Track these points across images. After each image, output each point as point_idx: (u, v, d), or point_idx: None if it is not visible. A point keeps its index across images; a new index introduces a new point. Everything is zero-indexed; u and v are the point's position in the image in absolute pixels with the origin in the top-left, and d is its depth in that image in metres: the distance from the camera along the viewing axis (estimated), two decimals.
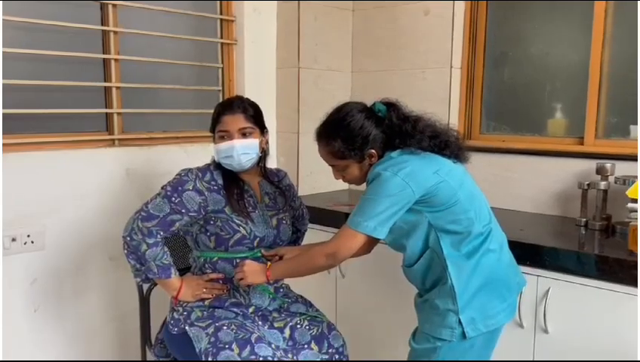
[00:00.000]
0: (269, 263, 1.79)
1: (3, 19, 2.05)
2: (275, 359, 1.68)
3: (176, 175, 1.85)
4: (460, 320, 1.54)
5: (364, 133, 1.61)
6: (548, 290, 1.91)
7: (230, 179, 1.87)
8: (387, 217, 1.52)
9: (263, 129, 1.91)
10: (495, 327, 1.60)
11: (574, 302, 1.87)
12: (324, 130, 1.68)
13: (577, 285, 1.86)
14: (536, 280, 1.94)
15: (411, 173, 1.51)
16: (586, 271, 1.83)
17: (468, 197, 1.57)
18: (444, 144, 1.61)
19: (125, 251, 1.85)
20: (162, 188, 1.82)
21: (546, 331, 1.93)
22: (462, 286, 1.55)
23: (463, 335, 1.55)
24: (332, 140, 1.64)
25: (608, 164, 2.17)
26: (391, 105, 1.66)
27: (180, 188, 1.80)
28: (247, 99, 1.91)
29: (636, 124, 2.31)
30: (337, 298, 2.59)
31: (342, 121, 1.63)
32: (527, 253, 1.94)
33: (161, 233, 1.80)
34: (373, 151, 1.62)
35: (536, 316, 1.95)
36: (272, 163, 2.53)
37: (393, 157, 1.58)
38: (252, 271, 1.75)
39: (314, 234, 2.21)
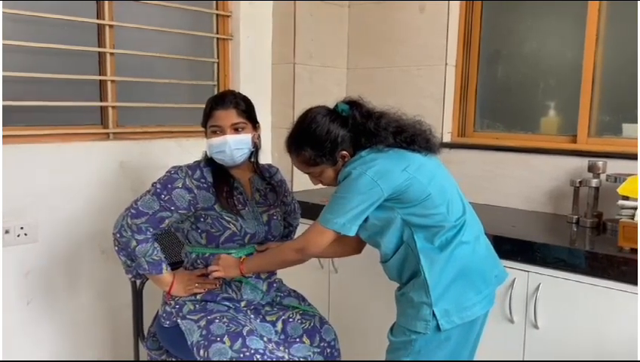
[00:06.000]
0: (242, 257, 1.82)
1: None
2: (267, 352, 1.69)
3: (166, 172, 1.85)
4: (433, 312, 1.55)
5: (331, 137, 1.62)
6: (538, 286, 1.92)
7: (220, 177, 1.87)
8: (356, 214, 1.55)
9: (255, 123, 1.91)
10: (470, 319, 1.60)
11: (565, 298, 1.89)
12: (292, 142, 1.69)
13: (568, 281, 1.87)
14: (526, 276, 1.96)
15: (379, 172, 1.53)
16: (577, 267, 1.85)
17: (439, 192, 1.58)
18: (411, 139, 1.62)
19: (116, 248, 1.86)
20: (152, 185, 1.83)
21: (536, 326, 1.94)
22: (435, 279, 1.56)
23: (438, 328, 1.56)
24: (302, 150, 1.65)
25: (600, 162, 2.19)
26: (354, 104, 1.67)
27: (169, 185, 1.80)
28: (239, 93, 1.91)
29: (628, 122, 2.32)
30: (330, 293, 2.60)
31: (307, 129, 1.64)
32: (518, 249, 1.96)
33: (151, 230, 1.80)
34: (344, 152, 1.63)
35: (526, 311, 1.97)
36: (266, 158, 2.54)
37: (363, 156, 1.60)
38: (226, 265, 1.81)
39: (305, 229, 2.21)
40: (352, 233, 1.58)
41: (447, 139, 2.77)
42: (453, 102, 2.78)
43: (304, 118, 1.68)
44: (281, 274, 2.04)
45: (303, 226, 2.21)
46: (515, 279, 1.96)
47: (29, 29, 2.19)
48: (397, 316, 1.68)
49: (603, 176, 2.20)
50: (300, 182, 2.87)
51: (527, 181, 2.51)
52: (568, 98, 2.50)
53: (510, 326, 2.00)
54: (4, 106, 2.10)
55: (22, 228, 2.13)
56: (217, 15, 2.78)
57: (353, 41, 3.08)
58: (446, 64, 2.73)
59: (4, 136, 2.08)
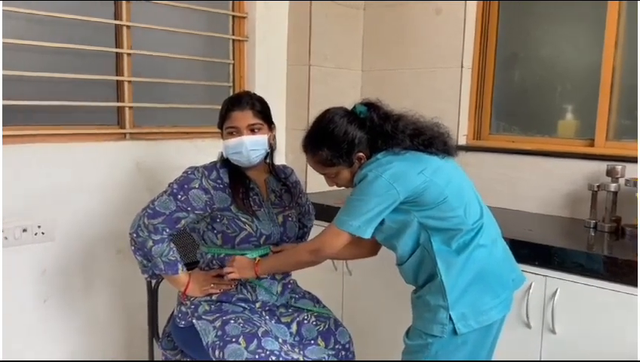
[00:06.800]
0: (257, 258, 1.82)
1: (18, 12, 2.08)
2: (282, 353, 1.69)
3: (183, 173, 1.86)
4: (450, 316, 1.54)
5: (348, 138, 1.61)
6: (556, 291, 1.90)
7: (236, 178, 1.88)
8: (372, 217, 1.54)
9: (270, 124, 1.92)
10: (487, 323, 1.59)
11: (582, 303, 1.87)
12: (309, 142, 1.69)
13: (585, 286, 1.85)
14: (544, 281, 1.94)
15: (396, 175, 1.53)
16: (595, 272, 1.82)
17: (456, 195, 1.57)
18: (428, 142, 1.61)
19: (132, 247, 1.87)
20: (169, 185, 1.84)
21: (553, 332, 1.92)
22: (452, 282, 1.55)
23: (454, 331, 1.54)
24: (319, 150, 1.65)
25: (619, 166, 2.16)
26: (371, 106, 1.66)
27: (186, 186, 1.81)
28: (254, 94, 1.92)
29: None
30: (344, 295, 2.59)
31: (325, 130, 1.64)
32: (535, 253, 1.94)
33: (167, 230, 1.81)
34: (361, 154, 1.63)
35: (543, 316, 1.95)
36: (281, 159, 2.54)
37: (379, 158, 1.60)
38: (241, 266, 1.80)
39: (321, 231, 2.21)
40: (367, 235, 1.57)
41: (462, 141, 2.76)
42: (469, 105, 2.76)
43: (322, 118, 1.68)
44: (295, 275, 2.04)
45: (317, 228, 2.21)
46: (532, 283, 1.94)
47: (46, 29, 2.21)
48: (413, 319, 1.67)
49: (622, 181, 2.17)
50: (315, 184, 2.87)
51: (544, 184, 2.48)
52: (586, 101, 2.48)
53: (527, 331, 1.98)
54: (22, 106, 2.13)
55: (39, 226, 2.15)
56: (233, 16, 2.79)
57: (368, 43, 3.08)
58: (462, 66, 2.72)
59: (21, 136, 2.11)
